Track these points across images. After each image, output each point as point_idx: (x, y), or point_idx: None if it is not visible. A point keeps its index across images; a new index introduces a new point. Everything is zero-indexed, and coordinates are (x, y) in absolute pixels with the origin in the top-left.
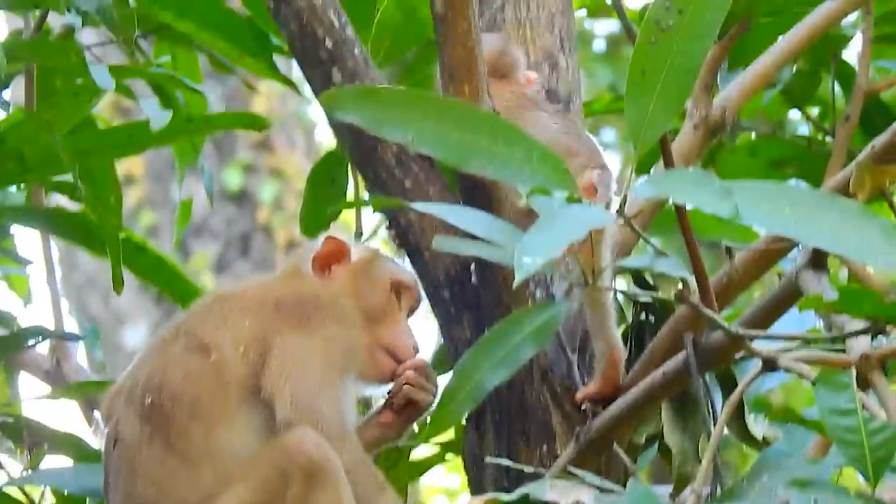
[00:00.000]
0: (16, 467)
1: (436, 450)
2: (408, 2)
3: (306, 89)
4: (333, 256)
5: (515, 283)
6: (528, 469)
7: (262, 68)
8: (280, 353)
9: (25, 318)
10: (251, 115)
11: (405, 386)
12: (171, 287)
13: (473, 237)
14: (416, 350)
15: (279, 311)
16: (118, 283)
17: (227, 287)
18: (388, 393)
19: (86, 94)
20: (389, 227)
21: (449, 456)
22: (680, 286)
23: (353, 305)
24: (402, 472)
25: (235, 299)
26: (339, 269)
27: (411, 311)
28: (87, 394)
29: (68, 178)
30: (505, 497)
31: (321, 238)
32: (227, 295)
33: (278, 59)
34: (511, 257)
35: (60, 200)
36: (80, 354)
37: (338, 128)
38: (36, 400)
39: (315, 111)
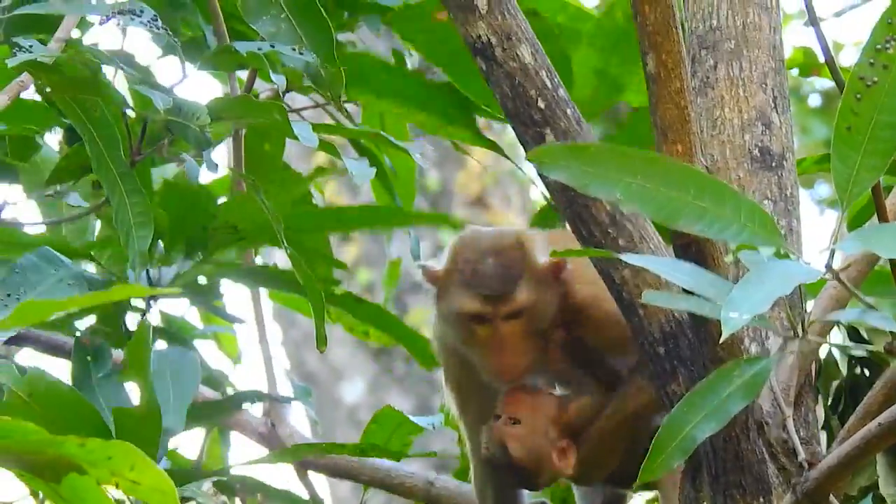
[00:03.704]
0: None
1: None
2: (601, 63)
3: (520, 149)
4: None
5: (723, 338)
6: None
7: (466, 136)
8: None
9: (236, 377)
10: (449, 218)
11: None
12: (410, 345)
13: (686, 292)
14: None
15: None
16: (322, 341)
17: None
18: None
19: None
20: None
21: None
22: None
23: None
24: None
25: None
26: None
27: None
28: (303, 456)
29: None
30: None
31: None
32: None
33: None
34: (720, 312)
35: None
36: (296, 414)
37: (551, 186)
38: (252, 465)
39: (530, 169)
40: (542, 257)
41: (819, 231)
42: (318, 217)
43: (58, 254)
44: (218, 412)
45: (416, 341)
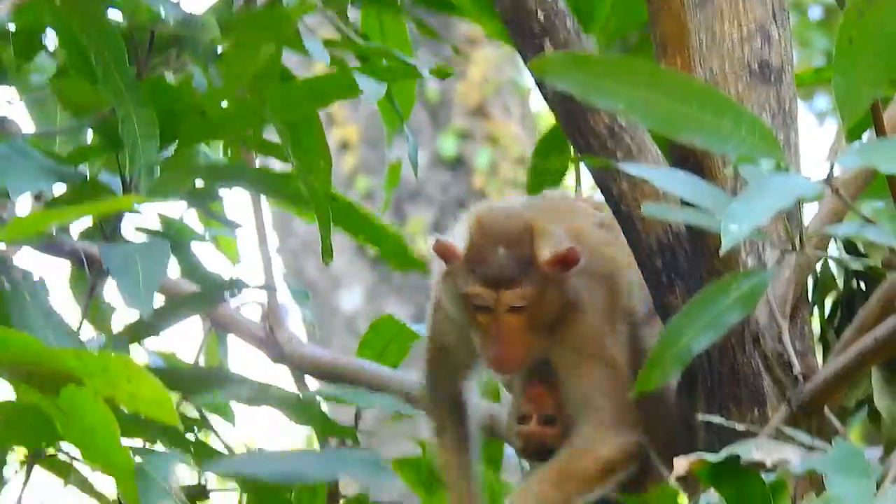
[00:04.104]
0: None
1: None
2: None
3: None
4: None
5: (722, 251)
6: (740, 429)
7: (497, 28)
8: None
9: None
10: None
11: None
12: (383, 245)
13: (685, 204)
14: None
15: None
16: (327, 253)
17: None
18: None
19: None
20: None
21: None
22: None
23: None
24: None
25: None
26: None
27: None
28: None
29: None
30: (711, 457)
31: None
32: None
33: None
34: (719, 224)
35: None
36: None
37: (550, 97)
38: (251, 370)
39: (530, 79)
40: (554, 246)
41: (818, 143)
42: (295, 90)
43: (29, 146)
44: (198, 303)
45: (387, 238)
